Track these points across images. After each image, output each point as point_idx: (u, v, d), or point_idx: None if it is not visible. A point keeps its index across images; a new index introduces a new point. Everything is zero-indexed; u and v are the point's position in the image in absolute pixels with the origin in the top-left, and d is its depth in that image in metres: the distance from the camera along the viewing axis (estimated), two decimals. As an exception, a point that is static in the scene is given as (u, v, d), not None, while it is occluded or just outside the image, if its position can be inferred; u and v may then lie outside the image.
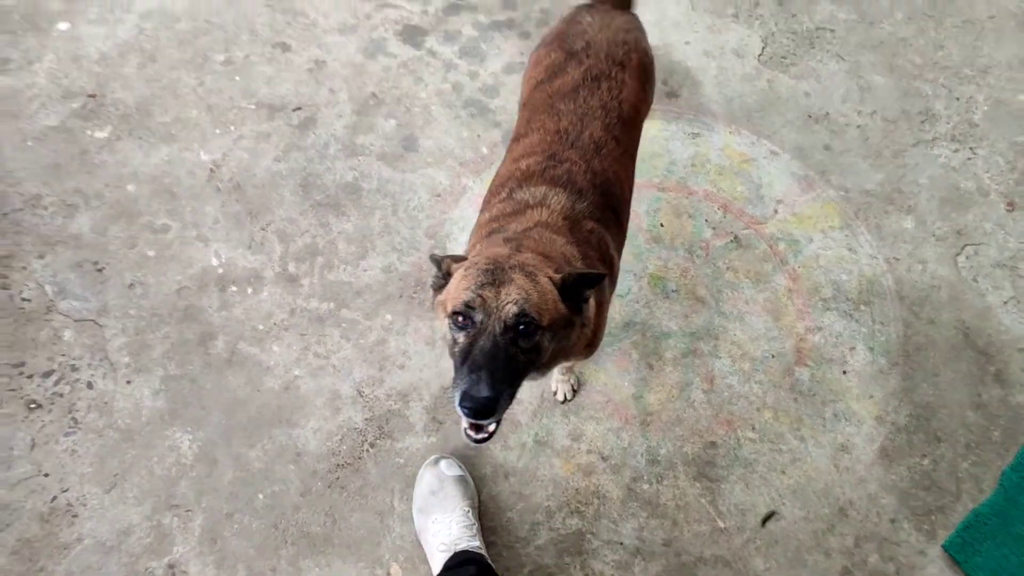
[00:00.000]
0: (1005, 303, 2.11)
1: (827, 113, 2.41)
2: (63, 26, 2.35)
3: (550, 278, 1.14)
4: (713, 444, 1.87)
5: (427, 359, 1.93)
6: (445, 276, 1.19)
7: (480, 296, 1.08)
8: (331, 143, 2.24)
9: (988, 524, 1.83)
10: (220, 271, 2.02)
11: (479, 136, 2.26)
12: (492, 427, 1.15)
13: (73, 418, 1.80)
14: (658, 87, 2.38)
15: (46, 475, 1.73)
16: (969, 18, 2.68)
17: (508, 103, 2.32)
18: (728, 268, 2.10)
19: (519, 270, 1.12)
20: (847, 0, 2.68)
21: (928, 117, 2.44)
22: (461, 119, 2.30)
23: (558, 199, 1.37)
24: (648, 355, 1.96)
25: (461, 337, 1.11)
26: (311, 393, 1.87)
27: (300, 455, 1.80)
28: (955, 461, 1.90)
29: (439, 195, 2.17)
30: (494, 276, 1.10)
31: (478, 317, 1.09)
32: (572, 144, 1.46)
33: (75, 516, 1.69)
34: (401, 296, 2.02)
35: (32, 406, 1.80)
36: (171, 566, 1.66)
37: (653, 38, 2.49)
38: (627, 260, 2.07)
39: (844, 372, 1.98)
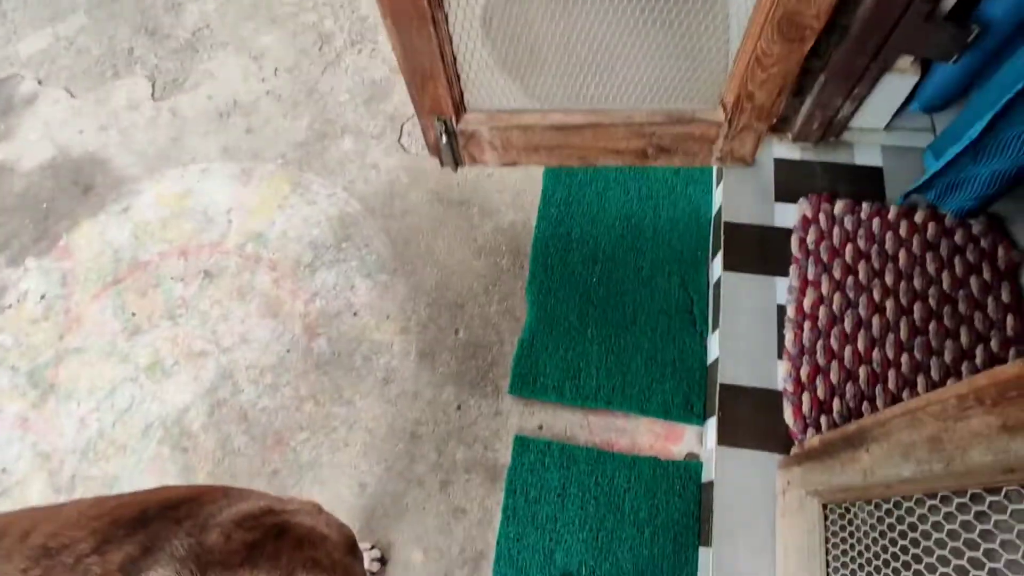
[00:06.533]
0: (456, 148, 2.14)
1: (235, 101, 2.35)
2: None
3: None
4: (276, 472, 1.76)
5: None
6: None
7: None
8: None
9: (535, 341, 1.84)
10: None
11: None
12: None
13: None
14: (69, 191, 2.23)
15: None
16: (319, -69, 2.71)
17: None
18: (213, 304, 1.99)
19: None
20: (208, -10, 2.63)
21: (324, 40, 2.44)
22: None
23: None
24: (176, 443, 1.82)
25: None
26: None
27: None
28: (484, 312, 1.90)
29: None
30: None
31: None
32: None
33: None
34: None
35: None
36: None
37: (46, 152, 2.33)
38: (105, 373, 1.92)
39: (355, 314, 1.94)
